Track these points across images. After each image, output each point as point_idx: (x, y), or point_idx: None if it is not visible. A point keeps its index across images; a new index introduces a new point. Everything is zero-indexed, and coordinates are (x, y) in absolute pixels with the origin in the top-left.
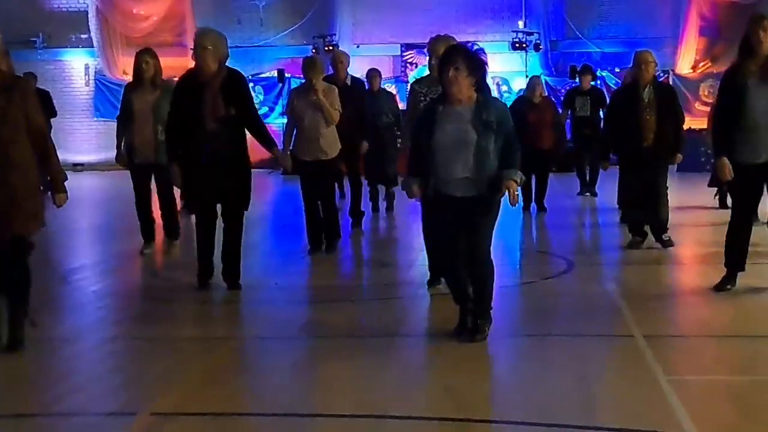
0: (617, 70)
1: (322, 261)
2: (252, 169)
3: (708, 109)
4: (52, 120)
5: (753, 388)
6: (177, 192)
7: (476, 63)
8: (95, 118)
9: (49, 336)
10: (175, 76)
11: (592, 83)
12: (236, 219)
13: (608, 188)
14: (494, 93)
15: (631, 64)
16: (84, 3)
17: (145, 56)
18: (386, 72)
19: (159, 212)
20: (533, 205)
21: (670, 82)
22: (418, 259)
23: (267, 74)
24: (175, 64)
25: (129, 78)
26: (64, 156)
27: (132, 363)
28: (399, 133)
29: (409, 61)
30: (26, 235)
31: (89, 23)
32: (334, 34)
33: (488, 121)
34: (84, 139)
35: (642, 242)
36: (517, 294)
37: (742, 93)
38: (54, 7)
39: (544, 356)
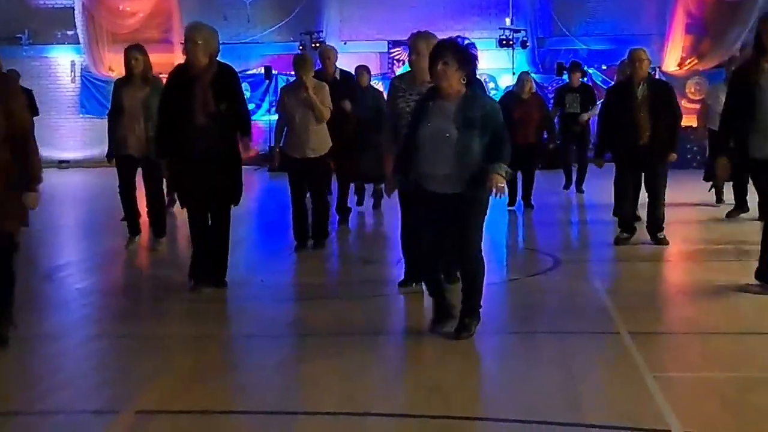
0: (604, 67)
1: (308, 258)
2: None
3: (695, 106)
4: (36, 118)
5: (739, 386)
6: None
7: (466, 57)
8: (81, 115)
9: (33, 333)
10: (162, 73)
11: (582, 80)
12: (225, 215)
13: (596, 185)
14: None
15: (618, 62)
16: None
17: (134, 52)
18: (374, 69)
19: (145, 209)
20: (519, 202)
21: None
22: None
23: (254, 71)
24: (161, 61)
25: (115, 75)
26: (50, 153)
27: (116, 361)
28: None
29: (397, 57)
30: (11, 234)
31: (75, 20)
32: (321, 31)
33: (472, 117)
34: (70, 136)
35: (629, 239)
36: (504, 291)
37: (754, 92)
38: (40, 4)
39: (530, 353)
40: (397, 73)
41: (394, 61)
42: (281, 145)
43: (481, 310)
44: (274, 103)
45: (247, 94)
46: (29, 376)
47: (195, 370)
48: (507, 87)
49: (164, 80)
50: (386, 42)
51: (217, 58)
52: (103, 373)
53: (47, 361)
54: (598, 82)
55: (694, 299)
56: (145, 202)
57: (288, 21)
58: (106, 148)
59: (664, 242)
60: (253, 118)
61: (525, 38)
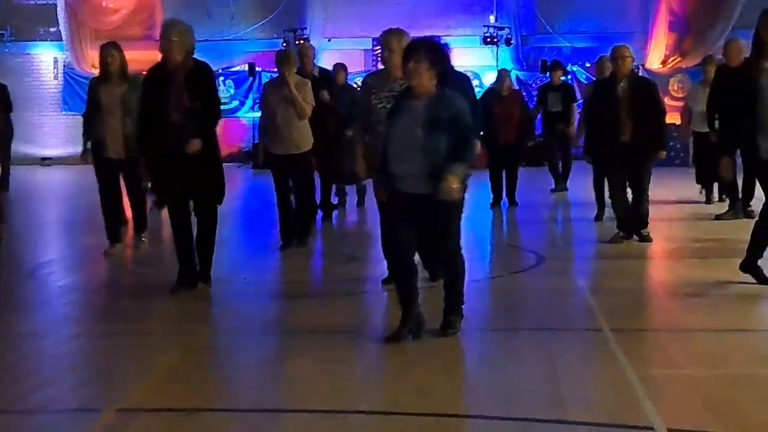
0: (588, 65)
1: (292, 255)
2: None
3: (679, 104)
4: (18, 115)
5: (721, 383)
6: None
7: (438, 56)
8: (64, 112)
9: (14, 332)
10: (144, 70)
11: (563, 78)
12: (207, 214)
13: (581, 183)
14: None
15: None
16: None
17: (109, 49)
18: (357, 66)
19: (129, 207)
20: (504, 200)
21: None
22: None
23: (237, 68)
24: (144, 58)
25: (98, 72)
26: (33, 150)
27: (98, 359)
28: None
29: (381, 55)
30: None
31: (58, 16)
32: (305, 28)
33: (439, 117)
34: (52, 133)
35: (624, 239)
36: (488, 288)
37: (754, 91)
38: (22, 0)
39: (513, 351)
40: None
41: (378, 59)
42: (264, 141)
43: (463, 307)
44: (257, 100)
45: (231, 91)
46: (10, 375)
47: (177, 368)
48: (491, 84)
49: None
50: (370, 39)
51: (194, 55)
52: (84, 371)
53: (29, 359)
54: (582, 80)
55: (677, 297)
56: (127, 201)
57: (271, 18)
58: (82, 148)
59: (647, 239)
60: (236, 115)
61: (509, 35)
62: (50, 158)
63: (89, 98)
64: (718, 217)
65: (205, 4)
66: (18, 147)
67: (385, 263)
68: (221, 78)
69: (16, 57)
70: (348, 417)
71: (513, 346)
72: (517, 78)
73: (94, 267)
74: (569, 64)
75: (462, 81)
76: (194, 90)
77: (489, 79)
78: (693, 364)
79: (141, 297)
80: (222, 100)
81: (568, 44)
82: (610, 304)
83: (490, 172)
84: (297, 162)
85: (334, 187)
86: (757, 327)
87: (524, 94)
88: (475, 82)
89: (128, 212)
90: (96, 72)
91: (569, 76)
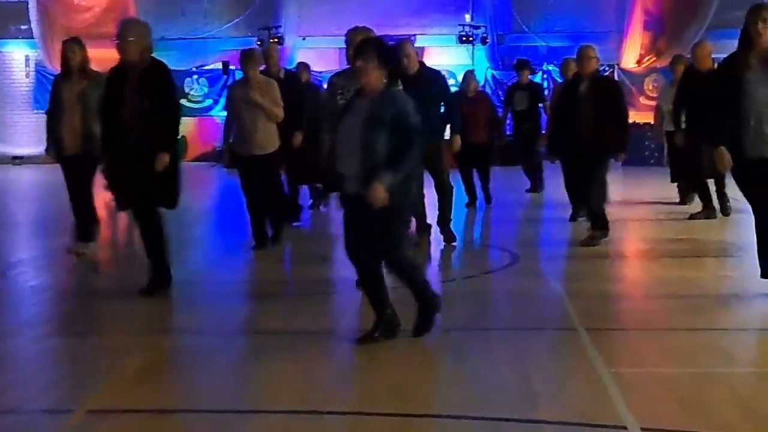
0: None
1: (264, 256)
2: (180, 165)
3: (653, 103)
4: None
5: (692, 381)
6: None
7: (387, 56)
8: (35, 111)
9: None
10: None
11: (531, 77)
12: (150, 218)
13: (556, 183)
14: None
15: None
16: None
17: (71, 46)
18: (332, 65)
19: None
20: (481, 200)
21: (615, 77)
22: None
23: (211, 66)
24: (117, 56)
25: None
26: (4, 149)
27: (68, 359)
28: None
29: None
30: None
31: (29, 14)
32: (280, 26)
33: (380, 116)
34: (24, 132)
35: (602, 237)
36: (461, 288)
37: (740, 86)
38: None
39: (486, 350)
40: None
41: None
42: (231, 141)
43: (437, 301)
44: None
45: (205, 90)
46: None
47: (147, 368)
48: (458, 86)
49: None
50: (345, 38)
51: (152, 54)
52: (54, 372)
53: None
54: (558, 79)
55: (650, 296)
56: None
57: (246, 16)
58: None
59: (589, 242)
60: (210, 113)
61: (485, 35)
62: (22, 157)
63: (51, 95)
64: (692, 217)
65: (179, 2)
66: None
67: None
68: (195, 76)
69: None
70: (321, 417)
71: (486, 346)
72: (493, 77)
73: (66, 267)
74: (545, 64)
75: (438, 78)
76: (149, 89)
77: None
78: (666, 362)
79: (111, 298)
80: (196, 99)
81: (543, 43)
82: (583, 303)
83: (461, 173)
84: (261, 163)
85: (306, 187)
86: (728, 326)
87: (489, 95)
88: (450, 81)
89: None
90: None
91: (545, 76)
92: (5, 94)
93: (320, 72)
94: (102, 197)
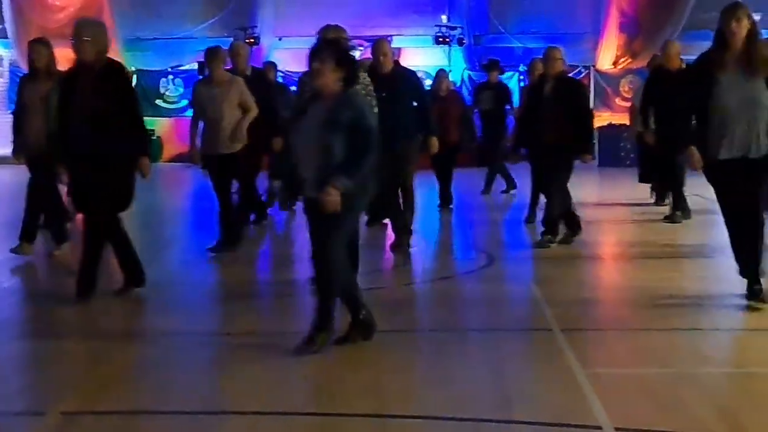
0: None
1: (239, 256)
2: (127, 167)
3: (629, 104)
4: None
5: (666, 381)
6: None
7: (344, 57)
8: (10, 111)
9: None
10: None
11: (500, 78)
12: (103, 221)
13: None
14: None
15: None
16: None
17: (36, 46)
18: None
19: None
20: (456, 202)
21: (591, 78)
22: None
23: (187, 67)
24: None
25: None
26: None
27: (42, 362)
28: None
29: None
30: None
31: (3, 13)
32: (256, 27)
33: (337, 118)
34: None
35: (552, 240)
36: (436, 289)
37: (713, 86)
38: None
39: (462, 351)
40: None
41: None
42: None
43: (332, 323)
44: None
45: (180, 90)
46: None
47: (120, 369)
48: (429, 85)
49: None
50: (317, 36)
51: (107, 55)
52: (27, 374)
53: None
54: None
55: (625, 297)
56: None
57: (222, 16)
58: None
59: (544, 245)
60: (185, 114)
61: (461, 35)
62: None
63: (17, 96)
64: (667, 218)
65: (154, 2)
66: None
67: None
68: (170, 77)
69: None
70: (295, 419)
71: (462, 347)
72: (470, 78)
73: (38, 269)
74: (521, 65)
75: (412, 77)
76: (106, 90)
77: None
78: (641, 363)
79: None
80: (171, 99)
81: (520, 45)
82: (559, 304)
83: (436, 174)
84: (228, 162)
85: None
86: (702, 326)
87: (461, 95)
88: (427, 82)
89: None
90: None
91: (521, 77)
92: None
93: (297, 72)
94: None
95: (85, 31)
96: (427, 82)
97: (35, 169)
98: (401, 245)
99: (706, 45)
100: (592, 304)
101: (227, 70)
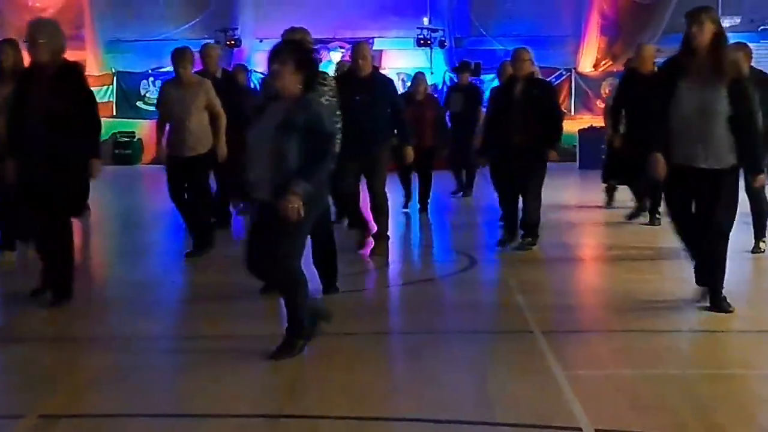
0: None
1: (207, 261)
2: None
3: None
4: None
5: (645, 382)
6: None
7: (304, 60)
8: None
9: None
10: None
11: (472, 79)
12: (60, 223)
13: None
14: (399, 89)
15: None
16: None
17: (3, 47)
18: None
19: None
20: (415, 203)
21: (572, 81)
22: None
23: (168, 68)
24: (71, 57)
25: None
26: None
27: (17, 364)
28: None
29: None
30: None
31: None
32: (237, 28)
33: (293, 120)
34: None
35: (511, 241)
36: (417, 291)
37: (674, 92)
38: None
39: (442, 353)
40: None
41: None
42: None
43: (304, 329)
44: None
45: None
46: None
47: (99, 372)
48: (407, 88)
49: None
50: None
51: (63, 56)
52: (4, 377)
53: None
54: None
55: (606, 299)
56: None
57: (202, 18)
58: None
59: (526, 248)
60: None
61: (443, 38)
62: None
63: None
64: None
65: (135, 4)
66: None
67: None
68: (151, 79)
69: None
70: (276, 422)
71: (443, 349)
72: (452, 80)
73: (11, 272)
74: None
75: (389, 84)
76: (61, 90)
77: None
78: (619, 364)
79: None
80: (152, 101)
81: (501, 47)
82: (540, 306)
83: (400, 174)
84: (192, 165)
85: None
86: (681, 328)
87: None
88: (408, 84)
89: None
90: None
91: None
92: None
93: None
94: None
95: (40, 32)
96: (408, 84)
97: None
98: (380, 249)
99: None
100: (573, 306)
101: (198, 72)
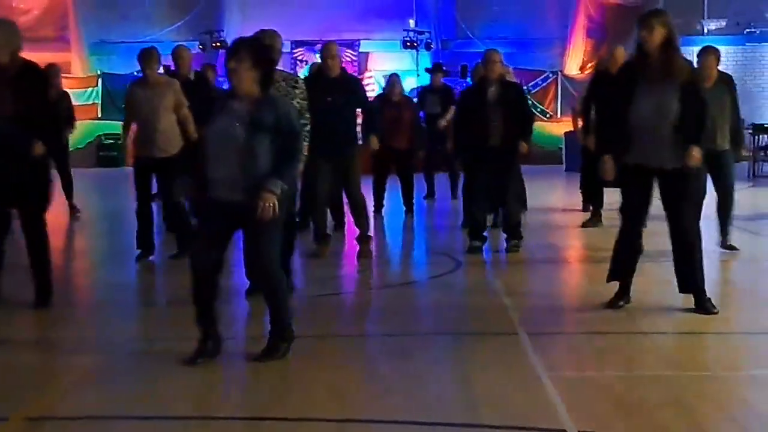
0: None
1: (177, 263)
2: (50, 167)
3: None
4: None
5: (629, 384)
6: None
7: (261, 57)
8: None
9: None
10: None
11: (444, 80)
12: (34, 224)
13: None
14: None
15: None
16: None
17: None
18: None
19: None
20: (389, 211)
21: (559, 83)
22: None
23: None
24: (56, 60)
25: None
26: None
27: (2, 367)
28: None
29: (299, 58)
30: None
31: None
32: (222, 30)
33: (261, 120)
34: None
35: (482, 247)
36: (402, 293)
37: (631, 93)
38: None
39: (427, 354)
40: (300, 73)
41: (297, 62)
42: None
43: (290, 330)
44: None
45: None
46: None
47: (84, 374)
48: (382, 90)
49: None
50: (289, 42)
51: (20, 55)
52: None
53: None
54: None
55: (590, 300)
56: None
57: (188, 20)
58: None
59: (513, 249)
60: None
61: (429, 40)
62: None
63: None
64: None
65: (120, 5)
66: None
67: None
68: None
69: None
70: (260, 424)
71: (427, 351)
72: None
73: None
74: None
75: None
76: (22, 91)
77: (409, 83)
78: (604, 366)
79: (42, 306)
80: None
81: None
82: (525, 308)
83: (374, 179)
84: (164, 166)
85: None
86: (665, 330)
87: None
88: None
89: None
90: None
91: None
92: None
93: None
94: None
95: None
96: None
97: None
98: (364, 252)
99: None
100: (558, 308)
101: (171, 74)
